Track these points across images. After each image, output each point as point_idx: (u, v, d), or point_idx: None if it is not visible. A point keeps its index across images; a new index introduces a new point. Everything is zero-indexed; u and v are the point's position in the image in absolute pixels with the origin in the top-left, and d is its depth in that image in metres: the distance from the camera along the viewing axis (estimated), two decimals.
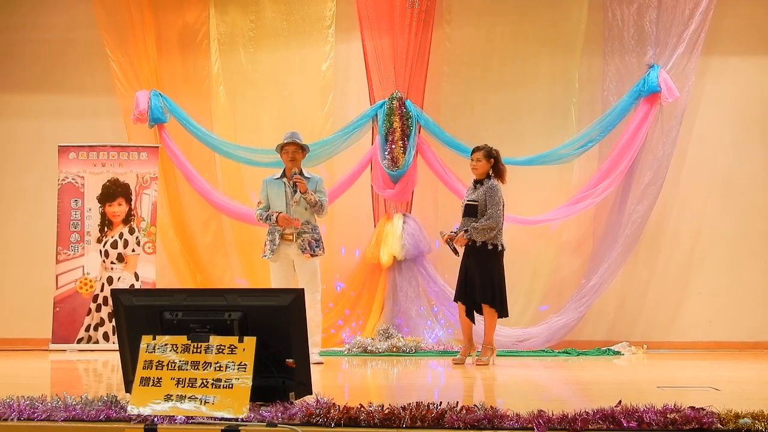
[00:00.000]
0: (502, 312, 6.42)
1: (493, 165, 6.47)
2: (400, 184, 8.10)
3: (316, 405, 3.36)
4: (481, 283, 6.35)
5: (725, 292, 8.17)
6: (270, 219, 6.36)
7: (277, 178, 6.48)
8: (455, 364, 6.47)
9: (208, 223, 8.61)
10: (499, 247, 6.37)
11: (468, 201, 6.46)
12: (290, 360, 3.56)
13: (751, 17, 8.30)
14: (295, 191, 6.35)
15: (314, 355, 6.33)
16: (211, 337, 3.44)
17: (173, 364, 3.41)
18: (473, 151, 6.54)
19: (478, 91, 8.46)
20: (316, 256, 6.41)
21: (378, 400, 3.55)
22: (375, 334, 7.79)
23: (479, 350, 6.59)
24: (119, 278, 8.01)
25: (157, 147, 8.30)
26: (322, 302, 6.73)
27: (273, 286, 6.28)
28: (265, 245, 6.45)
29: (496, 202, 6.30)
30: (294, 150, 6.39)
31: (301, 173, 6.39)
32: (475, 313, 6.48)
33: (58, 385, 5.17)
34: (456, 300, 6.59)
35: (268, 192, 6.46)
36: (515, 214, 8.05)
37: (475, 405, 3.31)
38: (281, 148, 6.45)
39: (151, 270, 8.06)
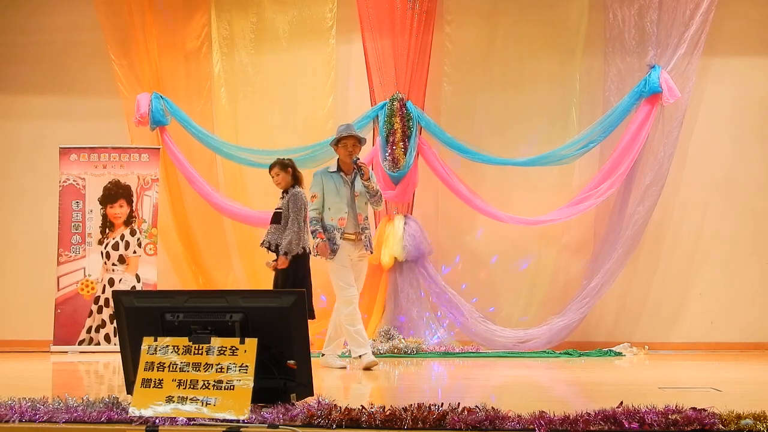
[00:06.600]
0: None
1: (292, 174, 6.67)
2: (401, 186, 8.09)
3: (318, 406, 3.36)
4: (282, 286, 6.42)
5: (726, 292, 8.17)
6: (314, 235, 6.11)
7: (334, 172, 6.22)
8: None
9: (210, 225, 8.60)
10: (304, 251, 6.48)
11: (276, 209, 6.66)
12: (291, 361, 3.56)
13: (752, 18, 8.30)
14: (353, 183, 6.16)
15: (336, 358, 6.39)
16: (213, 339, 3.45)
17: (174, 366, 3.41)
18: (270, 168, 6.73)
19: (478, 92, 8.46)
20: (372, 253, 6.40)
21: (379, 401, 3.56)
22: (376, 335, 7.79)
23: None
24: (120, 280, 8.01)
25: (158, 148, 8.29)
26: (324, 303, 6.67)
27: (343, 284, 6.08)
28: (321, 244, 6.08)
29: (299, 208, 6.49)
30: (353, 144, 6.16)
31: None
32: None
33: (60, 387, 5.17)
34: None
35: (324, 186, 6.14)
36: (516, 215, 8.07)
37: (476, 406, 3.31)
38: (337, 141, 6.19)
39: (153, 271, 8.06)
